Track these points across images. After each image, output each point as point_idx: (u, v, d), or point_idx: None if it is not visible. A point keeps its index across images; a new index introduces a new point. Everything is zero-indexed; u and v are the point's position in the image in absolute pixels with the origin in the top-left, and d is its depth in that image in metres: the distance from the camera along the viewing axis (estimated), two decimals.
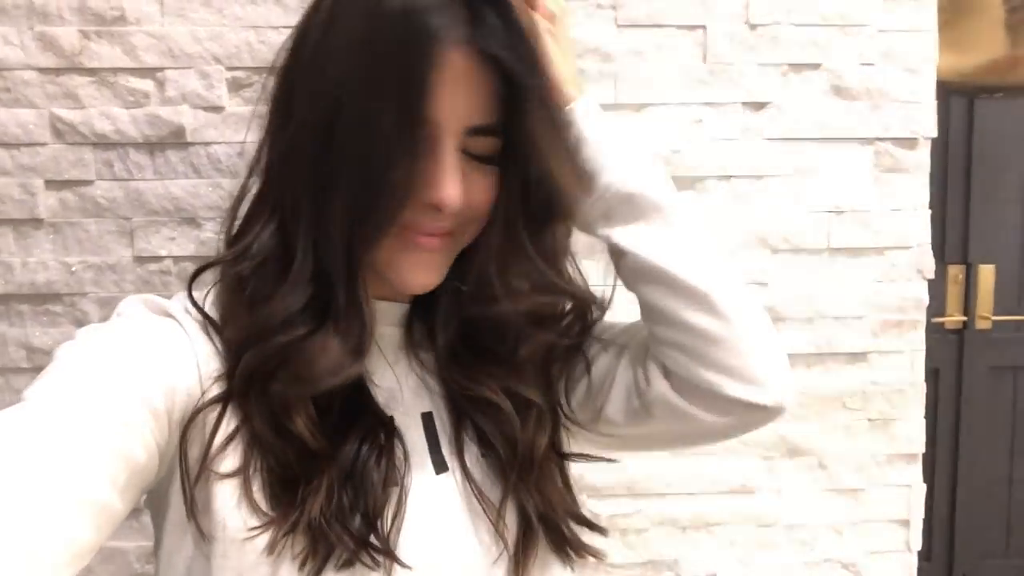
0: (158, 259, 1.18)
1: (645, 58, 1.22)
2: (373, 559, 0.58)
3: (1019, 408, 2.33)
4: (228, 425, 0.59)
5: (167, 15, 1.15)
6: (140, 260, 1.17)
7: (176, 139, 1.16)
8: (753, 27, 1.24)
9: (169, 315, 0.62)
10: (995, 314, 2.26)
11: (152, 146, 1.16)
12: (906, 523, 1.35)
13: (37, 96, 1.14)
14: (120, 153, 1.16)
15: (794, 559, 1.34)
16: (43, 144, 1.15)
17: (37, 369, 1.13)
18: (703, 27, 1.23)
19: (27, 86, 1.14)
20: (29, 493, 0.46)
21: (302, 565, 0.57)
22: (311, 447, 0.59)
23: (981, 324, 2.26)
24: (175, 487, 0.60)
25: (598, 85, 1.21)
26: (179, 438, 0.59)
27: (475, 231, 0.64)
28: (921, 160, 1.28)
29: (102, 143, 1.15)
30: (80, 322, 1.17)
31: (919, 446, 1.34)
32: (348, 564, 0.58)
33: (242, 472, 0.58)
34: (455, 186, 0.58)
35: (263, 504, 0.58)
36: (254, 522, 0.57)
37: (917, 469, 1.34)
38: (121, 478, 0.52)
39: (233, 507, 0.58)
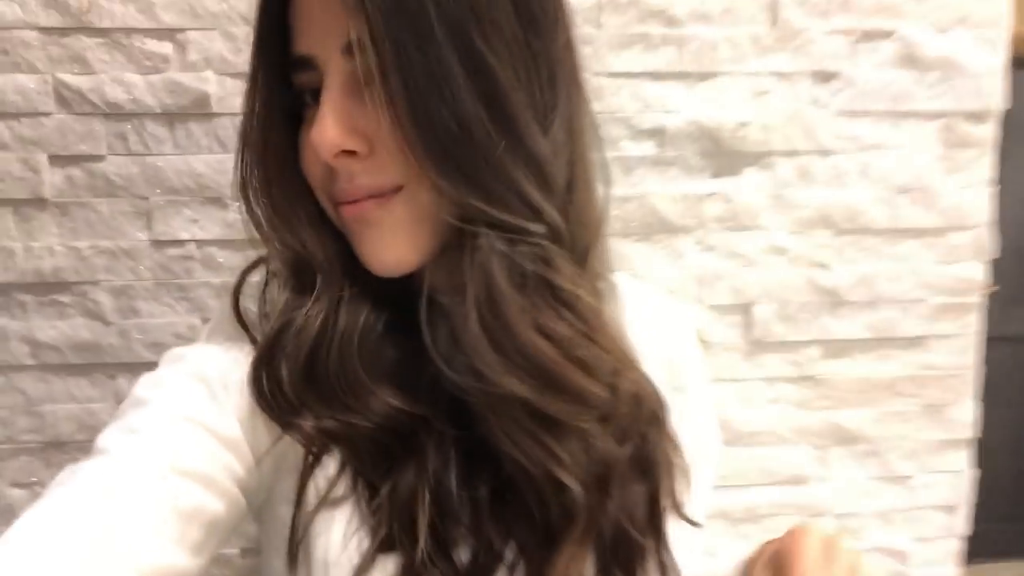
0: (179, 243, 1.06)
1: (711, 22, 1.12)
2: None
3: None
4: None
5: None
6: (158, 244, 1.05)
7: (199, 109, 1.04)
8: None
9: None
10: None
11: (172, 116, 1.04)
12: (953, 509, 1.32)
13: (39, 59, 1.01)
14: (135, 124, 1.03)
15: None
16: (47, 114, 1.01)
17: (43, 366, 1.05)
18: None
19: (28, 48, 1.00)
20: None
21: None
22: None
23: None
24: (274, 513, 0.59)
25: (662, 51, 1.11)
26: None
27: (414, 179, 0.54)
28: (988, 134, 1.22)
29: (114, 113, 1.02)
30: (91, 313, 1.05)
31: (970, 431, 1.30)
32: None
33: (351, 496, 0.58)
34: (323, 123, 0.53)
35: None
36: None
37: (966, 455, 1.30)
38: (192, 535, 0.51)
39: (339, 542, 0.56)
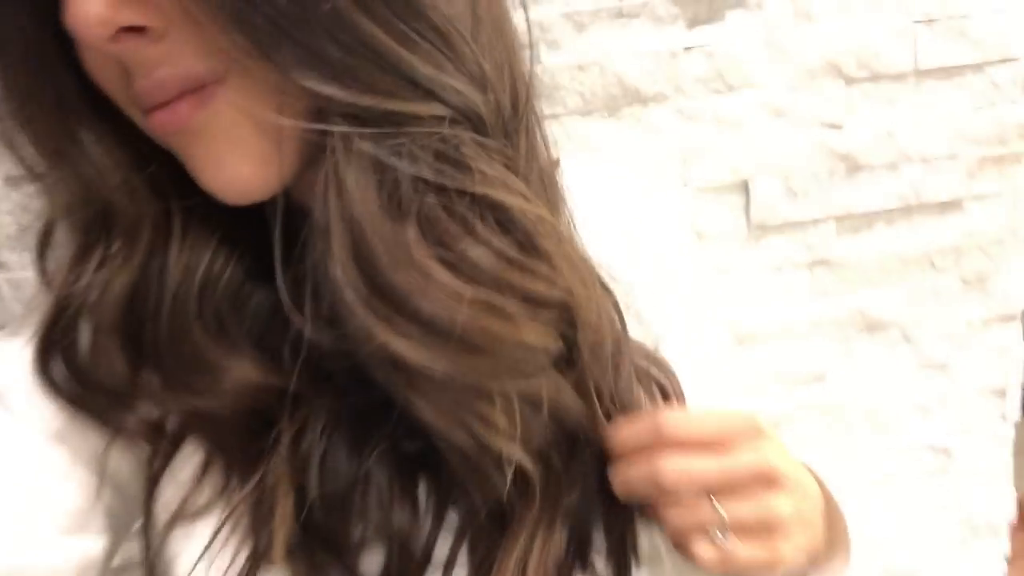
0: None
1: None
2: None
3: None
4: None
5: None
6: None
7: None
8: None
9: None
10: None
11: None
12: (1001, 392, 1.16)
13: None
14: None
15: (877, 446, 1.15)
16: None
17: None
18: None
19: None
20: None
21: None
22: None
23: None
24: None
25: None
26: None
27: (236, 63, 0.37)
28: None
29: None
30: None
31: (1018, 304, 1.12)
32: None
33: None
34: None
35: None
36: None
37: (1014, 330, 1.13)
38: None
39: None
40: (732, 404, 0.55)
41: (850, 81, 0.99)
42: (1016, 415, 1.18)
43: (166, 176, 0.44)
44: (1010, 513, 1.20)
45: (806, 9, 0.96)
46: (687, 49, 0.95)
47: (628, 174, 0.67)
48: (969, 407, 1.15)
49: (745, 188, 1.01)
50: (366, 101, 0.36)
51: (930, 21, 0.98)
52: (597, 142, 0.95)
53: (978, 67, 1.01)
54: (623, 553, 0.48)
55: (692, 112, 0.97)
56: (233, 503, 0.45)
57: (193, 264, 0.45)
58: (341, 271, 0.37)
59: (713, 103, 0.97)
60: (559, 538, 0.46)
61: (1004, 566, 1.22)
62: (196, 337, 0.44)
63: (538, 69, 0.42)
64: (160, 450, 0.46)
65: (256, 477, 0.44)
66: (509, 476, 0.43)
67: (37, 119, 0.42)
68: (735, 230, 1.02)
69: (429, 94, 0.37)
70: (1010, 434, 1.18)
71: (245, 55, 0.34)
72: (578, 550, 0.47)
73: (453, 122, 0.38)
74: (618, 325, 0.48)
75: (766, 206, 1.01)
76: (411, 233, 0.38)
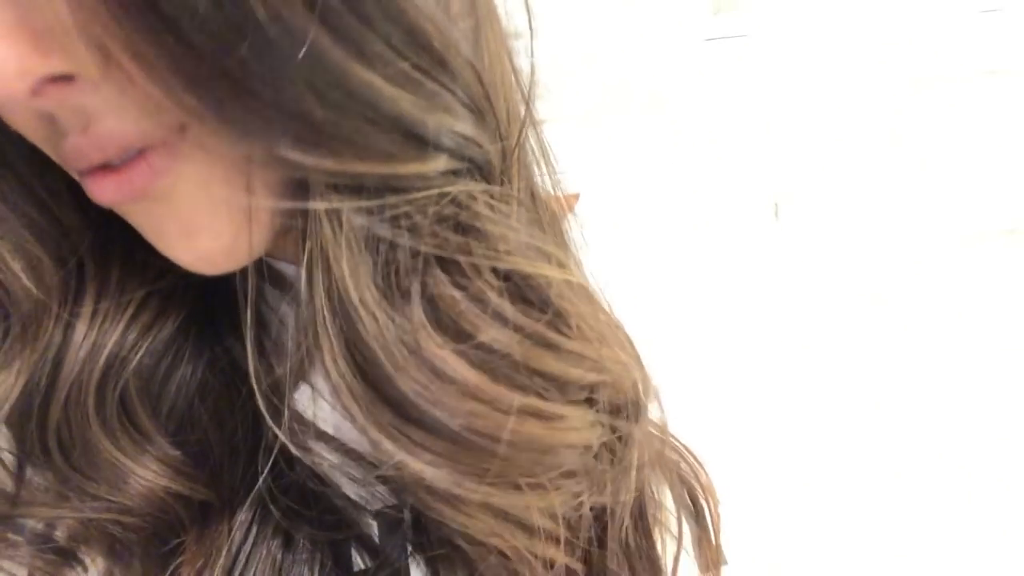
0: None
1: None
2: None
3: None
4: None
5: None
6: None
7: None
8: None
9: None
10: None
11: None
12: None
13: None
14: None
15: None
16: None
17: None
18: None
19: None
20: None
21: None
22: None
23: None
24: None
25: None
26: None
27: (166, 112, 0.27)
28: None
29: None
30: None
31: None
32: None
33: None
34: None
35: None
36: None
37: None
38: None
39: None
40: None
41: None
42: None
43: (80, 226, 0.35)
44: None
45: None
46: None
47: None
48: None
49: None
50: (360, 168, 0.28)
51: None
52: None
53: None
54: None
55: None
56: None
57: (101, 338, 0.36)
58: (335, 372, 0.30)
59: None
60: None
61: None
62: (93, 434, 0.36)
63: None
64: (43, 564, 0.37)
65: None
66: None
67: None
68: None
69: (436, 147, 0.29)
70: None
71: (198, 120, 0.26)
72: None
73: (458, 173, 0.31)
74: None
75: None
76: (418, 320, 0.30)
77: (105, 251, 0.36)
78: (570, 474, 0.35)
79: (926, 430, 1.05)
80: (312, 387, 0.36)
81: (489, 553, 0.36)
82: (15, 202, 0.34)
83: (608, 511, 0.39)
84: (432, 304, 0.31)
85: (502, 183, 0.34)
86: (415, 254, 0.30)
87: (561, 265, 0.35)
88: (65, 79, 0.26)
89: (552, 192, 0.40)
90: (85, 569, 0.36)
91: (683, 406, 0.46)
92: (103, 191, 0.29)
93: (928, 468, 1.05)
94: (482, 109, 0.31)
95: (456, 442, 0.31)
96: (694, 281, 0.57)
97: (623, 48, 0.83)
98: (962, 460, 1.05)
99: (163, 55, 0.23)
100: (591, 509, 0.37)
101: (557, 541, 0.36)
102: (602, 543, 0.40)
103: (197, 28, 0.23)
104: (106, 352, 0.36)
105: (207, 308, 0.38)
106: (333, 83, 0.25)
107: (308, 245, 0.30)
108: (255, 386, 0.32)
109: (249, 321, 0.33)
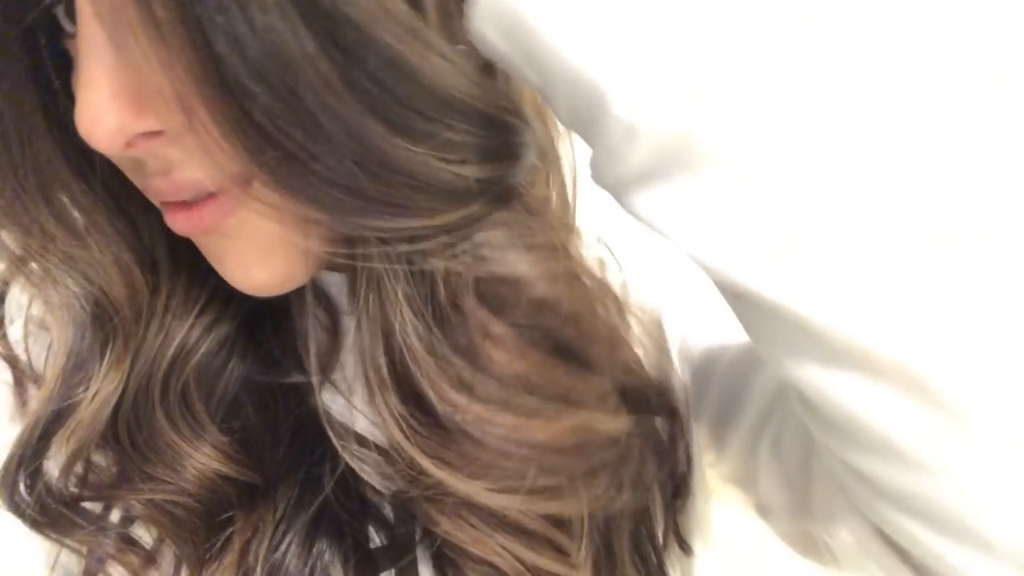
0: None
1: None
2: None
3: None
4: None
5: None
6: None
7: None
8: None
9: None
10: None
11: None
12: None
13: None
14: None
15: None
16: None
17: None
18: None
19: None
20: None
21: None
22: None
23: None
24: None
25: None
26: None
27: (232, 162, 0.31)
28: None
29: None
30: None
31: None
32: None
33: None
34: (89, 95, 0.29)
35: None
36: None
37: None
38: None
39: None
40: None
41: None
42: None
43: (157, 236, 0.40)
44: None
45: None
46: None
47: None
48: None
49: None
50: (406, 224, 0.31)
51: None
52: None
53: None
54: None
55: None
56: None
57: (171, 334, 0.40)
58: (376, 383, 0.34)
59: None
60: None
61: None
62: (157, 421, 0.39)
63: None
64: (99, 541, 0.41)
65: None
66: None
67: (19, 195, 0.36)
68: None
69: (474, 195, 0.32)
70: None
71: (260, 181, 0.30)
72: None
73: (487, 208, 0.33)
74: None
75: None
76: (454, 341, 0.34)
77: (176, 258, 0.40)
78: (592, 473, 0.39)
79: None
80: (343, 393, 0.40)
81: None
82: (110, 219, 0.39)
83: (618, 515, 0.42)
84: (464, 323, 0.35)
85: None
86: (455, 276, 0.34)
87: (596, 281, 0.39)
88: (154, 134, 0.31)
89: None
90: (141, 547, 0.40)
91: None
92: (177, 223, 0.34)
93: None
94: (517, 153, 0.33)
95: (502, 462, 0.35)
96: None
97: None
98: None
99: (234, 125, 0.27)
100: (601, 515, 0.40)
101: (564, 552, 0.39)
102: (610, 552, 0.42)
103: (261, 111, 0.26)
104: (174, 346, 0.40)
105: (257, 311, 0.42)
106: (378, 160, 0.28)
107: (361, 287, 0.34)
108: (315, 389, 0.36)
109: (310, 332, 0.37)
